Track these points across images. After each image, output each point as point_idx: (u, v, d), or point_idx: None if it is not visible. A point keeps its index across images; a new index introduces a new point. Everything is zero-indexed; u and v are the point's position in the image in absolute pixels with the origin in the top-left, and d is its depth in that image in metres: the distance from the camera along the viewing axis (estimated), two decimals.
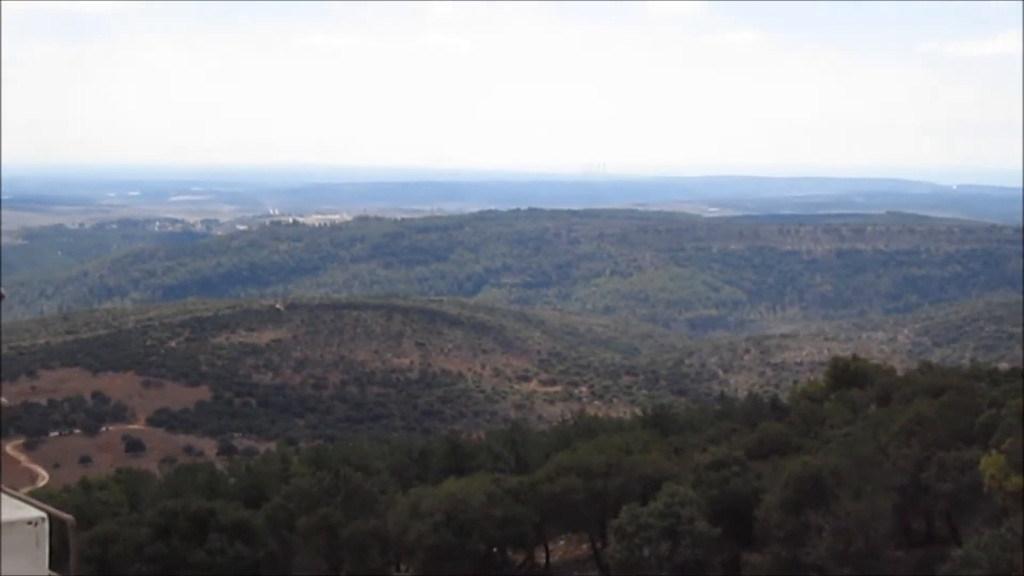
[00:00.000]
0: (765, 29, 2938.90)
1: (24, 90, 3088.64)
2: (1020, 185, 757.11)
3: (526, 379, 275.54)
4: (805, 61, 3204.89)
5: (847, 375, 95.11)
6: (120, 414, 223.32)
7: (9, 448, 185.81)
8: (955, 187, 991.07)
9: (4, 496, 8.76)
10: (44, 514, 8.55)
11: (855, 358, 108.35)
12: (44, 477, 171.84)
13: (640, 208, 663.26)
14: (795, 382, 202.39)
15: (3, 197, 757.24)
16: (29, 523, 8.44)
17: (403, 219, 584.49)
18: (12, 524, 8.38)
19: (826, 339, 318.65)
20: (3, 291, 8.48)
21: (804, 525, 56.01)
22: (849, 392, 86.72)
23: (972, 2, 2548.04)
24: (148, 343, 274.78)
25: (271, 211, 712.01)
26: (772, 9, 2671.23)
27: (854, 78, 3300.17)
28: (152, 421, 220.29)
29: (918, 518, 65.74)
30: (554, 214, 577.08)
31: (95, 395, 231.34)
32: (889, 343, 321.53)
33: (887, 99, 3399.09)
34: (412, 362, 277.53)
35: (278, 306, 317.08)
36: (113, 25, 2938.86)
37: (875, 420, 71.38)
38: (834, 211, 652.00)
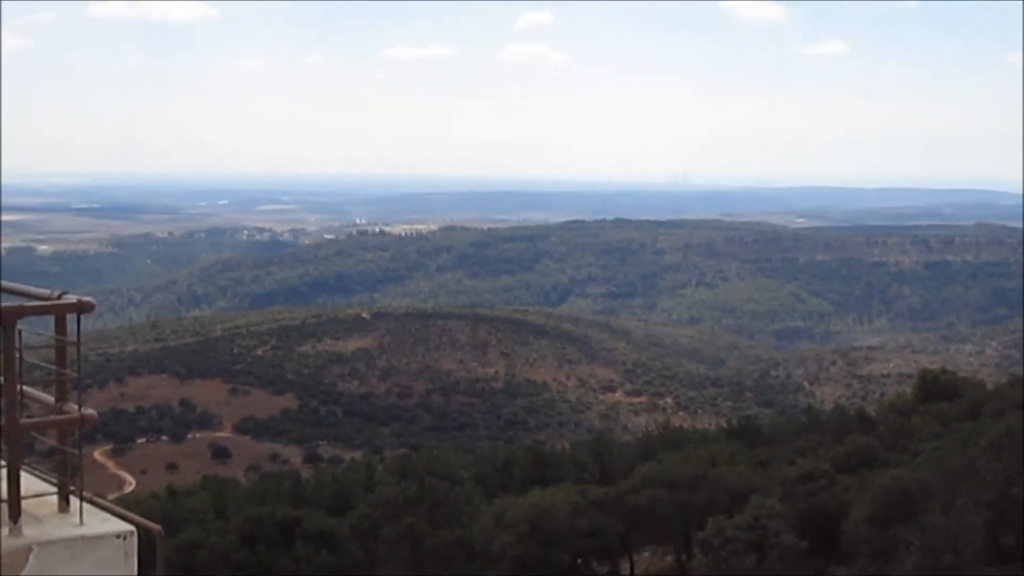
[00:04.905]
0: (851, 39, 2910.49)
1: (114, 100, 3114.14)
2: None
3: (611, 389, 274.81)
4: (892, 71, 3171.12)
5: (936, 388, 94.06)
6: (207, 421, 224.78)
7: (97, 454, 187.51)
8: None
9: (92, 508, 8.73)
10: (133, 527, 8.52)
11: (944, 371, 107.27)
12: (131, 483, 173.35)
13: (726, 219, 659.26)
14: (882, 395, 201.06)
15: (93, 206, 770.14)
16: (118, 536, 8.40)
17: (489, 229, 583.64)
18: (101, 538, 8.35)
19: (914, 351, 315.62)
20: (93, 300, 8.42)
21: (892, 540, 55.55)
22: (938, 405, 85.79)
23: None
24: (235, 351, 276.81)
25: (358, 220, 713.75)
26: (858, 18, 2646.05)
27: (942, 88, 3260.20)
28: (238, 429, 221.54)
29: (1008, 534, 64.92)
30: (640, 224, 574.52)
31: (182, 402, 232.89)
32: (977, 356, 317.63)
33: (976, 109, 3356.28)
34: (497, 372, 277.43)
35: (364, 315, 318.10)
36: (201, 35, 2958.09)
37: (965, 434, 70.51)
38: (922, 222, 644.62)
